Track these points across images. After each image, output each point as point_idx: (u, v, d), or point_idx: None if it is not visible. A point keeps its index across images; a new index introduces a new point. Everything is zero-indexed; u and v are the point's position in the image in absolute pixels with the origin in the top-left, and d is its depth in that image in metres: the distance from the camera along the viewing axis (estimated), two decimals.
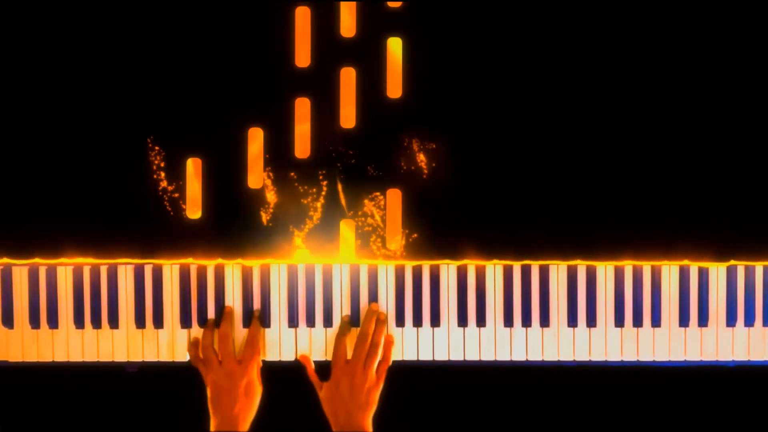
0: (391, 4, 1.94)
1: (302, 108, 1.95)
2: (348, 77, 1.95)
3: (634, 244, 1.94)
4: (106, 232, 1.94)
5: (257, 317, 1.94)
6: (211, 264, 1.95)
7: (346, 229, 1.95)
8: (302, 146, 1.95)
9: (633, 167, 1.94)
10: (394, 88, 1.95)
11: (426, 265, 1.95)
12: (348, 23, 1.94)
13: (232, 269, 1.95)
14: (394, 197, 1.95)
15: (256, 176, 1.95)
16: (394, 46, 1.94)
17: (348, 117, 1.95)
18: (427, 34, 1.94)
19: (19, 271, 1.94)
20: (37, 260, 1.94)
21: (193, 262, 1.95)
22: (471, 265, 1.95)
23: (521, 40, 1.94)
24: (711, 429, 2.08)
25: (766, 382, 2.03)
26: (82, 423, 2.06)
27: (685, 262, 1.95)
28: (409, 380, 1.98)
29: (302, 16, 1.94)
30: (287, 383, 1.97)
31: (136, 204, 1.94)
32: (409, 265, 1.95)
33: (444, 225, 1.95)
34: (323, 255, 1.95)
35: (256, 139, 1.95)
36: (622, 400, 2.08)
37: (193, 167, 1.95)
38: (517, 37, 1.94)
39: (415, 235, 1.95)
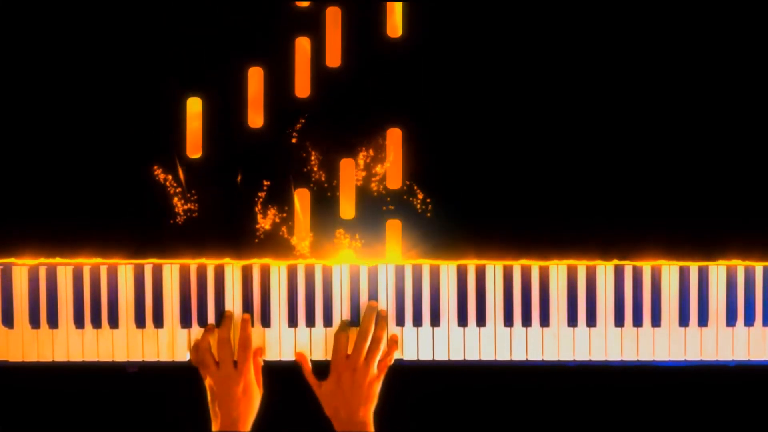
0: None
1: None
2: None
3: (634, 244, 1.94)
4: (106, 232, 1.94)
5: (246, 320, 1.93)
6: (211, 264, 1.95)
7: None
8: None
9: (633, 167, 1.94)
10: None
11: (426, 265, 1.95)
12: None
13: (232, 269, 1.95)
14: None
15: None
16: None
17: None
18: (426, 26, 1.94)
19: (19, 271, 1.94)
20: (37, 260, 1.94)
21: (193, 262, 1.95)
22: (471, 265, 1.95)
23: (523, 38, 1.94)
24: (711, 429, 2.08)
25: (766, 382, 2.03)
26: (82, 423, 2.06)
27: (685, 262, 1.95)
28: (409, 380, 1.98)
29: None
30: (287, 383, 1.97)
31: (136, 204, 1.94)
32: (409, 265, 1.95)
33: (444, 225, 1.95)
34: (322, 255, 1.95)
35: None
36: (622, 400, 2.08)
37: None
38: (518, 35, 1.94)
39: (416, 234, 1.95)
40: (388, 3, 1.94)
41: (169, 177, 1.94)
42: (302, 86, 1.95)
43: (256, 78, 1.94)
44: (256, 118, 1.95)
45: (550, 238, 1.94)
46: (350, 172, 1.95)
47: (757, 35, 1.94)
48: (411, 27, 1.95)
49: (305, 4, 1.95)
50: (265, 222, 1.95)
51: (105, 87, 1.94)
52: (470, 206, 1.94)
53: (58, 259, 1.94)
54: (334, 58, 1.95)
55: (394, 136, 1.95)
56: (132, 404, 2.06)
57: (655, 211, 1.94)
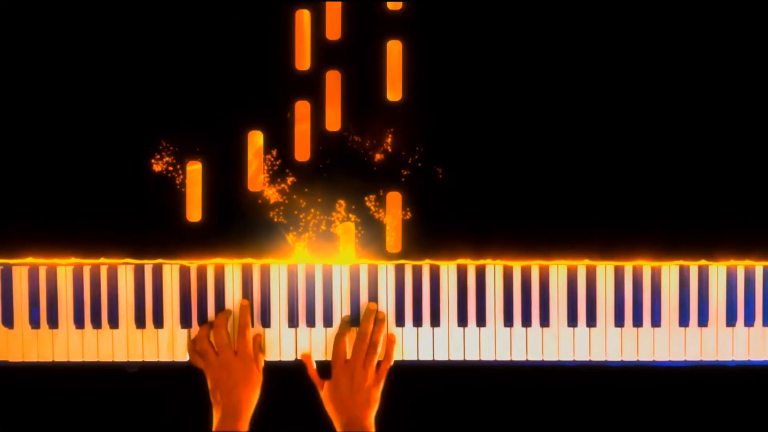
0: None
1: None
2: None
3: (634, 244, 1.94)
4: (105, 232, 1.94)
5: (245, 306, 1.94)
6: (211, 264, 1.95)
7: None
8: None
9: (633, 168, 1.94)
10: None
11: (426, 265, 1.95)
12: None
13: (232, 269, 1.95)
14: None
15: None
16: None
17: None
18: (427, 35, 1.94)
19: (19, 271, 1.94)
20: (37, 260, 1.94)
21: (193, 263, 1.95)
22: (471, 265, 1.95)
23: (521, 40, 1.94)
24: (711, 429, 2.08)
25: (766, 382, 2.03)
26: (82, 423, 2.06)
27: (685, 262, 1.95)
28: (409, 380, 1.98)
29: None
30: (287, 383, 1.97)
31: (136, 204, 1.94)
32: (409, 265, 1.95)
33: (444, 225, 1.95)
34: (323, 256, 1.95)
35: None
36: (622, 400, 2.08)
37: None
38: (516, 37, 1.94)
39: (416, 235, 1.95)
40: (389, 66, 1.93)
41: (171, 176, 1.95)
42: (302, 150, 1.95)
43: (255, 142, 1.94)
44: (256, 182, 1.95)
45: (550, 238, 1.94)
46: (350, 236, 1.95)
47: (756, 35, 1.94)
48: (411, 90, 1.94)
49: (305, 67, 1.94)
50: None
51: (104, 87, 1.94)
52: (470, 206, 1.94)
53: (58, 259, 1.94)
54: (333, 121, 1.95)
55: (393, 200, 1.95)
56: (132, 404, 2.06)
57: (655, 211, 1.94)
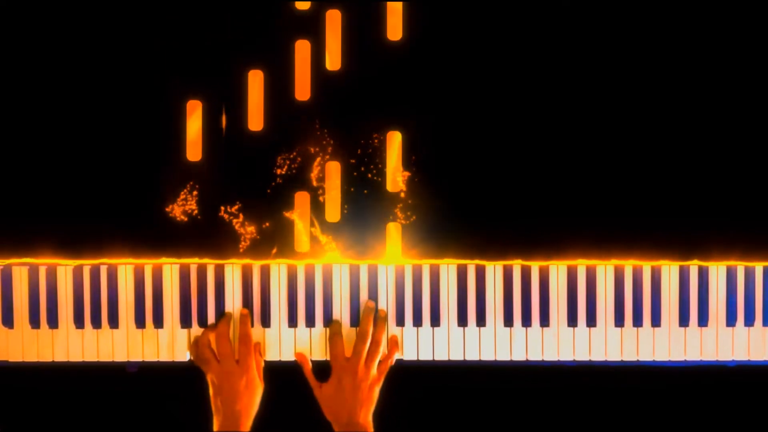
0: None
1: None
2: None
3: (634, 244, 1.94)
4: (105, 232, 1.94)
5: (245, 315, 1.94)
6: (211, 264, 1.95)
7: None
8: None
9: (633, 168, 1.94)
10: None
11: (426, 265, 1.95)
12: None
13: (232, 269, 1.95)
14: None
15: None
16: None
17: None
18: (427, 29, 1.94)
19: (19, 271, 1.94)
20: (37, 260, 1.94)
21: (193, 262, 1.95)
22: (471, 265, 1.95)
23: (522, 40, 1.94)
24: (711, 429, 2.08)
25: (766, 382, 2.03)
26: (82, 423, 2.06)
27: (685, 262, 1.95)
28: (409, 380, 1.98)
29: None
30: (287, 383, 1.97)
31: (136, 204, 1.94)
32: (409, 265, 1.95)
33: (445, 225, 1.95)
34: (321, 256, 1.95)
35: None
36: (622, 400, 2.08)
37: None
38: (518, 38, 1.94)
39: (416, 235, 1.95)
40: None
41: (171, 177, 1.95)
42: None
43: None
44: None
45: (550, 238, 1.94)
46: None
47: (755, 36, 1.94)
48: (411, 29, 1.94)
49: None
50: (260, 226, 1.95)
51: (105, 88, 1.94)
52: (470, 206, 1.94)
53: (58, 259, 1.94)
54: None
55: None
56: (132, 404, 2.06)
57: (656, 211, 1.94)
